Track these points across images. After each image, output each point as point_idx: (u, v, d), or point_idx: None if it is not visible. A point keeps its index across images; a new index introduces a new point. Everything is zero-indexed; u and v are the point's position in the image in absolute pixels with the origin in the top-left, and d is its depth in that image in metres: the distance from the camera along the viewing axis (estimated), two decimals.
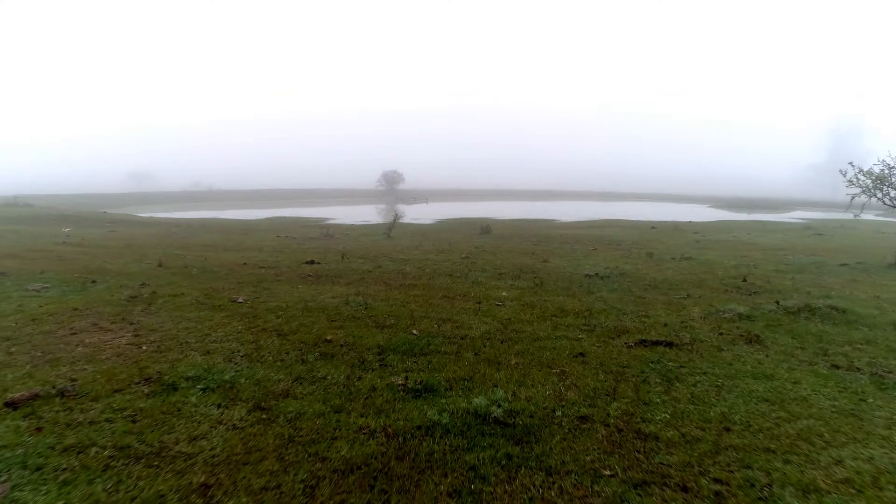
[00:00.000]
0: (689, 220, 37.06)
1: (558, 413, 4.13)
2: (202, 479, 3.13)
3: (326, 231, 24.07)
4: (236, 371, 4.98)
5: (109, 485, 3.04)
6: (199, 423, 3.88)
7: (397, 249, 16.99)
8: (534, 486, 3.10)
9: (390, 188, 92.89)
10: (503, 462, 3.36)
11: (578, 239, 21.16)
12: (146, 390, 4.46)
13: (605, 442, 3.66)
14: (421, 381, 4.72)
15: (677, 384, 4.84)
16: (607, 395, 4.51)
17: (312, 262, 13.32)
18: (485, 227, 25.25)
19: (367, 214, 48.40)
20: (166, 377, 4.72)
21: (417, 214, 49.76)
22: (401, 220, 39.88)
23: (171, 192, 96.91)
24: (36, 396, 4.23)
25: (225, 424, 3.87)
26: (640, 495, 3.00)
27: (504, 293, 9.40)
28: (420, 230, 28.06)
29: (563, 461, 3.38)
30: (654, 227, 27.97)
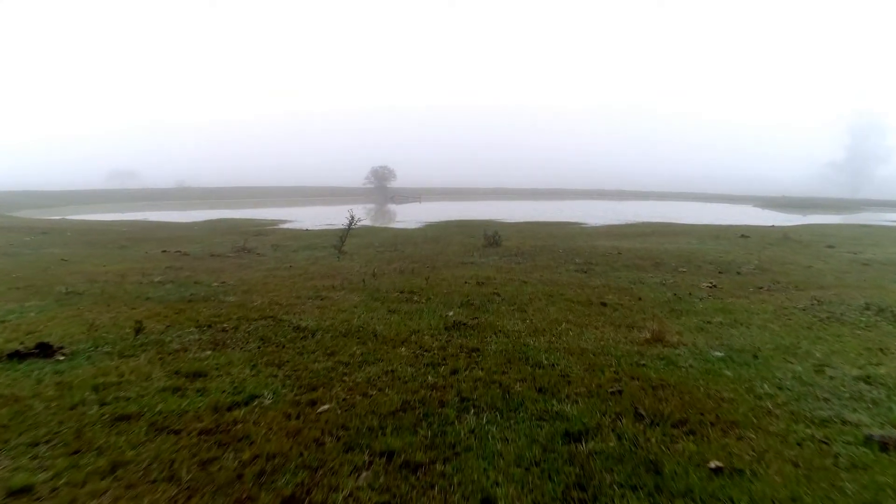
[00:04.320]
0: (765, 224, 28.61)
1: None
2: None
3: (244, 244, 15.32)
4: None
5: None
6: None
7: (322, 290, 8.37)
8: None
9: (379, 185, 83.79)
10: None
11: (655, 259, 12.34)
12: None
13: None
14: None
15: None
16: None
17: (43, 349, 4.69)
18: (491, 237, 16.38)
19: (340, 216, 39.68)
20: None
21: (405, 216, 41.24)
22: (380, 224, 31.84)
23: (140, 189, 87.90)
24: None
25: None
26: None
27: None
28: (395, 239, 19.25)
29: None
30: (744, 234, 18.98)
